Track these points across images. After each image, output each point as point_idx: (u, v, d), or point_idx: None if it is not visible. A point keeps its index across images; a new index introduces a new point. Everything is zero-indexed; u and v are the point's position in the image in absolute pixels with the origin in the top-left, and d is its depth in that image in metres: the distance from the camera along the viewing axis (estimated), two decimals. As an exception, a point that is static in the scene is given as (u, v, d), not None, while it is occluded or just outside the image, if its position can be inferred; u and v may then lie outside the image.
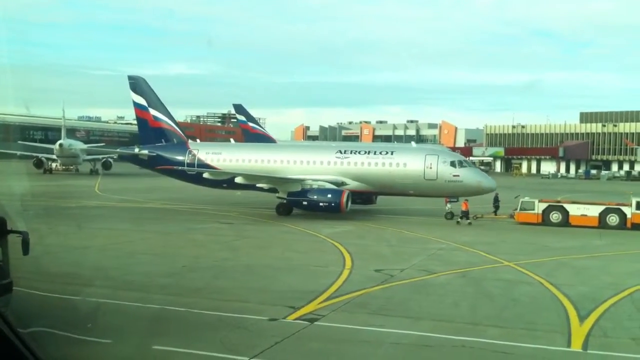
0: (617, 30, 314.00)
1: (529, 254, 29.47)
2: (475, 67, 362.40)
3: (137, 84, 50.16)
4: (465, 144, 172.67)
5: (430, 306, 19.04)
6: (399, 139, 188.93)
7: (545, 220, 40.42)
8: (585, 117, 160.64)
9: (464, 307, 19.11)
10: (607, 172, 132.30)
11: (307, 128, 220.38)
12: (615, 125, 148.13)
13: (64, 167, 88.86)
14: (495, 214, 44.45)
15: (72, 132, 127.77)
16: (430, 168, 41.23)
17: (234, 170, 44.37)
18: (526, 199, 42.35)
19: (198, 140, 58.09)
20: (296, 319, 17.07)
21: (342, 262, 25.88)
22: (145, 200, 52.23)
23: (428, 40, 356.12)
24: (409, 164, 42.28)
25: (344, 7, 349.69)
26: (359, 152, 44.67)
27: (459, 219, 41.10)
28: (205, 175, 43.73)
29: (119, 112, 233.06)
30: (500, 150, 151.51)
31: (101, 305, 17.81)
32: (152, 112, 49.63)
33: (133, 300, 18.61)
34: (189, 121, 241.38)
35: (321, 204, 40.36)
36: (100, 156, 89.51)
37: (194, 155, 46.84)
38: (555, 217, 40.34)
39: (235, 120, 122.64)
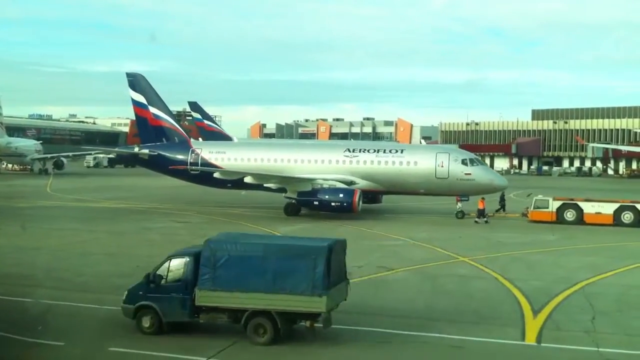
0: (567, 29, 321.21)
1: (483, 249, 29.91)
2: (429, 65, 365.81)
3: (136, 82, 48.37)
4: (420, 141, 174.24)
5: (387, 302, 19.13)
6: (355, 136, 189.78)
7: (559, 218, 40.06)
8: (537, 115, 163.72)
9: (420, 302, 19.27)
10: (558, 168, 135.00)
11: (264, 126, 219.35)
12: (566, 122, 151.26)
13: (21, 167, 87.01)
14: (502, 212, 44.03)
15: (21, 131, 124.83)
16: (442, 166, 40.69)
17: (239, 169, 43.07)
18: (540, 197, 41.90)
19: (200, 139, 56.56)
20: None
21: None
22: (99, 200, 51.30)
23: (383, 38, 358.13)
24: (419, 162, 41.56)
25: (299, 4, 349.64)
26: (368, 151, 43.86)
27: (477, 219, 40.63)
28: (216, 175, 42.19)
29: (71, 110, 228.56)
30: (455, 147, 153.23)
31: (52, 307, 17.41)
32: (152, 110, 47.86)
33: (86, 301, 18.25)
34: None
35: (333, 203, 39.44)
36: (49, 155, 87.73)
37: (197, 155, 45.22)
38: (569, 215, 39.98)
39: (190, 118, 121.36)
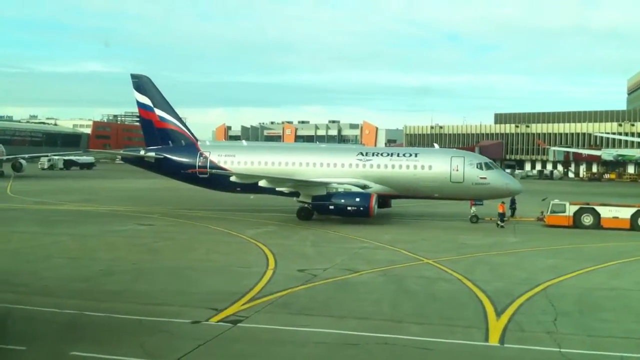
0: (524, 34, 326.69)
1: (447, 251, 30.20)
2: (392, 69, 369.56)
3: (141, 83, 47.37)
4: (385, 144, 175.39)
5: (353, 305, 19.18)
6: (321, 139, 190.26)
7: (576, 222, 39.98)
8: (500, 118, 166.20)
9: (386, 304, 19.36)
10: (520, 171, 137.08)
11: (229, 128, 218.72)
12: (527, 126, 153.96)
13: None
14: (512, 216, 43.95)
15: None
16: (457, 170, 40.49)
17: (249, 173, 42.34)
18: (556, 201, 41.78)
19: (207, 142, 55.38)
20: (219, 321, 16.87)
21: (266, 263, 25.77)
22: (61, 202, 50.45)
23: (344, 41, 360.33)
24: (434, 166, 41.27)
25: (259, 6, 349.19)
26: (381, 154, 43.38)
27: (498, 222, 40.50)
28: (233, 178, 41.30)
29: (31, 111, 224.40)
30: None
31: (12, 312, 17.08)
32: (158, 112, 46.93)
33: (47, 305, 17.92)
34: (105, 120, 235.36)
35: (349, 208, 38.98)
36: (5, 157, 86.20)
37: (206, 158, 44.39)
38: (587, 219, 39.93)
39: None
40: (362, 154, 43.53)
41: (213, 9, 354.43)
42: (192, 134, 48.33)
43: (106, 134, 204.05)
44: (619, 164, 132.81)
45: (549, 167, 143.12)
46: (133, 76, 47.81)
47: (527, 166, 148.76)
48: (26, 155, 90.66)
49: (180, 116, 48.49)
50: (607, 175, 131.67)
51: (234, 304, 18.53)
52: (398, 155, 42.91)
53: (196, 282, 22.35)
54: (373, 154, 43.43)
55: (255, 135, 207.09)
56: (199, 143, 47.84)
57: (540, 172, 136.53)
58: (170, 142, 46.76)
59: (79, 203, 50.20)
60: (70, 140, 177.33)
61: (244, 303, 18.79)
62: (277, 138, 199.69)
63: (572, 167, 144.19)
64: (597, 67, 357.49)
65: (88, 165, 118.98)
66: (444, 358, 14.79)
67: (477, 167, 40.73)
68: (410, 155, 42.64)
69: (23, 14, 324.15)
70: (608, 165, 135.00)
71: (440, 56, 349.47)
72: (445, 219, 44.69)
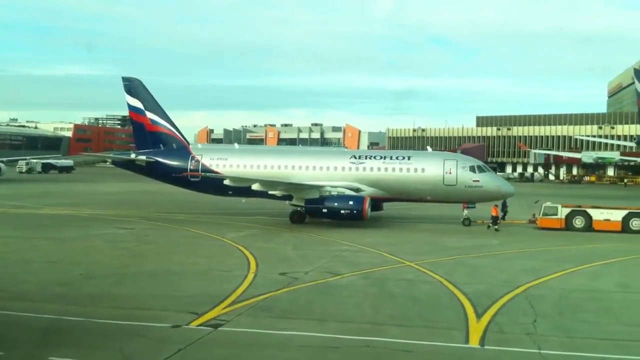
0: (507, 38, 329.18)
1: (428, 253, 30.28)
2: (376, 72, 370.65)
3: (132, 86, 46.88)
4: (368, 147, 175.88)
5: (334, 308, 19.17)
6: (303, 142, 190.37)
7: (568, 225, 40.20)
8: (481, 121, 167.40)
9: (367, 307, 19.37)
10: (502, 173, 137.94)
11: (211, 131, 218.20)
12: (509, 129, 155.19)
13: None
14: (504, 219, 43.98)
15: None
16: (450, 173, 40.63)
17: (242, 176, 42.13)
18: (548, 204, 41.94)
19: (199, 146, 54.86)
20: (199, 325, 16.77)
21: (247, 266, 25.69)
22: (41, 206, 49.99)
23: (328, 45, 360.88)
24: (427, 169, 41.36)
25: (244, 10, 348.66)
26: (374, 158, 43.28)
27: (489, 225, 40.73)
28: (226, 182, 41.11)
29: (11, 114, 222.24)
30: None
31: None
32: (149, 115, 46.50)
33: (26, 310, 17.74)
34: (86, 123, 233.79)
35: (342, 211, 38.96)
36: None
37: (198, 162, 44.17)
38: (578, 222, 40.19)
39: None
40: (355, 157, 43.60)
41: (196, 12, 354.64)
42: (183, 137, 48.13)
43: (87, 137, 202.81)
44: (598, 166, 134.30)
45: (530, 169, 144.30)
46: (124, 79, 47.43)
47: (509, 169, 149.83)
48: (4, 159, 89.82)
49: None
50: (587, 178, 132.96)
51: (214, 308, 18.44)
52: (391, 158, 43.02)
53: (177, 286, 22.21)
54: (366, 157, 43.45)
55: (237, 138, 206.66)
56: (190, 146, 47.58)
57: (521, 174, 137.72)
58: (161, 145, 46.41)
59: (59, 207, 49.76)
60: (50, 144, 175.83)
61: (225, 307, 18.70)
62: (259, 141, 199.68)
63: (553, 170, 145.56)
64: (578, 70, 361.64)
65: (67, 169, 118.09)
66: (425, 360, 14.83)
67: (469, 170, 40.94)
68: (403, 158, 42.77)
69: (3, 17, 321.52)
70: (588, 167, 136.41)
71: (424, 59, 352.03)
72: (430, 222, 44.88)
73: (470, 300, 20.22)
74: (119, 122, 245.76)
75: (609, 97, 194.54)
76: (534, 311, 19.08)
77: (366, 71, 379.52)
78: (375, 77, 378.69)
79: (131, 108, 47.27)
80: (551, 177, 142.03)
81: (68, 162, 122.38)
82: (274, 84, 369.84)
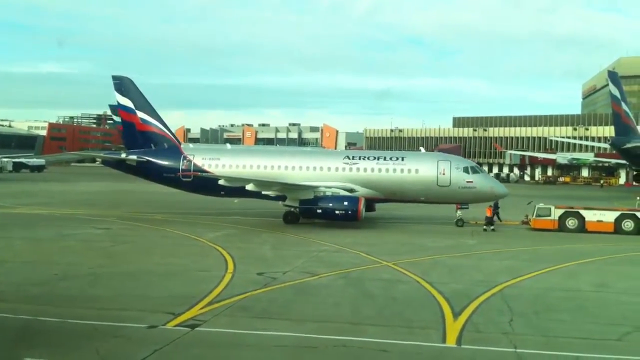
0: (484, 39, 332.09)
1: (406, 253, 30.40)
2: (353, 72, 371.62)
3: (122, 85, 46.07)
4: (345, 147, 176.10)
5: (312, 308, 19.17)
6: (281, 142, 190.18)
7: (561, 226, 40.40)
8: (458, 122, 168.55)
9: (345, 307, 19.39)
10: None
11: (188, 130, 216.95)
12: (485, 130, 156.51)
13: None
14: (500, 220, 44.05)
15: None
16: (443, 174, 40.63)
17: (236, 176, 41.68)
18: (541, 205, 42.11)
19: (191, 145, 54.17)
20: (177, 325, 16.66)
21: (225, 266, 25.59)
22: (15, 206, 49.35)
23: (307, 44, 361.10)
24: (421, 169, 41.35)
25: (221, 9, 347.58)
26: (368, 158, 43.15)
27: (485, 226, 40.78)
28: (221, 182, 40.48)
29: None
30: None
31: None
32: (140, 114, 45.70)
33: (0, 311, 17.48)
34: (61, 122, 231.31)
35: (337, 212, 38.78)
36: None
37: (190, 162, 43.61)
38: (571, 223, 40.41)
39: (111, 121, 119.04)
40: (348, 157, 43.55)
41: (173, 11, 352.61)
42: (175, 137, 47.71)
43: (62, 136, 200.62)
44: (573, 167, 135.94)
45: (506, 170, 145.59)
46: (114, 77, 46.71)
47: (485, 169, 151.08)
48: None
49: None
50: (561, 179, 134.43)
51: (192, 308, 18.33)
52: (385, 159, 42.97)
53: (153, 286, 22.05)
54: (360, 158, 43.44)
55: (214, 137, 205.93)
56: (182, 146, 47.17)
57: (497, 175, 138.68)
58: (152, 145, 45.76)
59: (33, 206, 49.17)
60: (25, 142, 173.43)
61: (203, 307, 18.60)
62: (236, 141, 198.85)
63: (528, 171, 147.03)
64: (554, 72, 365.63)
65: (38, 168, 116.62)
66: (401, 359, 14.88)
67: (463, 171, 41.09)
68: (397, 158, 42.82)
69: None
70: (563, 168, 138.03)
71: (402, 60, 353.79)
72: (416, 222, 45.04)
73: (447, 299, 20.33)
74: (95, 120, 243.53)
75: (584, 98, 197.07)
76: (510, 310, 19.24)
77: (346, 71, 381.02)
78: (354, 78, 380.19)
79: (121, 107, 46.62)
80: (527, 178, 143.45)
81: (40, 161, 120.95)
82: (251, 84, 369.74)
